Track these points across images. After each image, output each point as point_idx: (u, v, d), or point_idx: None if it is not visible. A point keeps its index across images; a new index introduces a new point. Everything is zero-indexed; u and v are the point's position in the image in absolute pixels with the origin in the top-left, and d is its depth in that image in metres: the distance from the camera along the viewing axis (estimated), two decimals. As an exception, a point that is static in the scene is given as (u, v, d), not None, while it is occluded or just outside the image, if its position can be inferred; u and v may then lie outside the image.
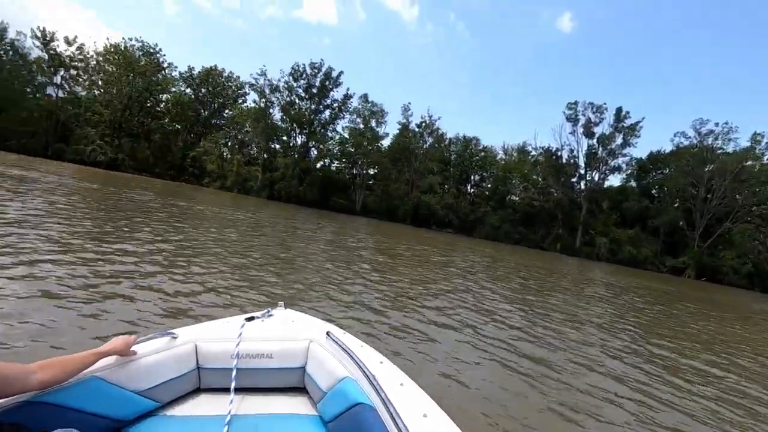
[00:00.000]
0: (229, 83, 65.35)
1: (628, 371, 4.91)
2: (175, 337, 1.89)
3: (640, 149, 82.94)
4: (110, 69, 54.65)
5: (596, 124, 51.85)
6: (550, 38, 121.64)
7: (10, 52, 52.87)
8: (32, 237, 6.10)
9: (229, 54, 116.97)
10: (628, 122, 49.86)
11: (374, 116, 55.97)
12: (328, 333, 2.03)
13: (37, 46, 53.80)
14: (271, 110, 55.58)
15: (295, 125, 55.38)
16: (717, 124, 45.77)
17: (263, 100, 54.85)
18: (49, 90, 55.83)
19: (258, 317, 2.24)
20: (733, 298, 22.77)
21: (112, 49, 54.57)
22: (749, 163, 43.48)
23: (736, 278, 40.79)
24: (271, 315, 2.33)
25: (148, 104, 58.13)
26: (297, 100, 55.49)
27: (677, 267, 43.95)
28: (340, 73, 54.85)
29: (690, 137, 48.31)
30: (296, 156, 54.21)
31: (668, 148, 51.91)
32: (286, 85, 54.73)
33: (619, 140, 50.86)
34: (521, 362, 4.52)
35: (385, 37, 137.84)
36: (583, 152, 53.34)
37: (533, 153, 58.37)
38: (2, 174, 16.19)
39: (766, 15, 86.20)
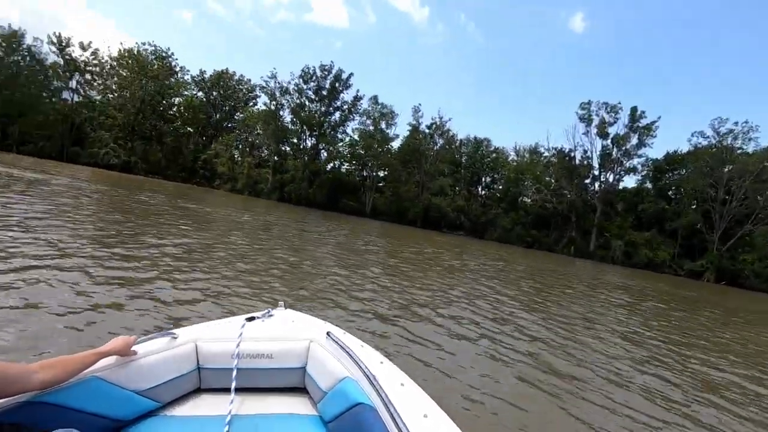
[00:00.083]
0: (240, 86, 65.83)
1: (660, 387, 4.49)
2: (176, 337, 1.88)
3: (656, 150, 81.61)
4: (124, 73, 55.42)
5: (610, 124, 50.79)
6: (561, 38, 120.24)
7: (28, 58, 53.96)
8: (36, 238, 5.91)
9: (241, 58, 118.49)
10: (643, 122, 48.78)
11: (384, 118, 55.72)
12: (328, 333, 2.02)
13: (53, 52, 54.94)
14: (281, 112, 55.75)
15: (305, 127, 55.41)
16: (736, 123, 44.46)
17: (273, 102, 55.03)
18: (65, 94, 56.96)
19: (258, 317, 2.23)
20: (758, 303, 21.88)
21: (125, 54, 55.37)
22: (771, 162, 42.12)
23: (758, 282, 39.41)
24: (271, 315, 2.31)
25: (161, 108, 58.81)
26: (307, 103, 55.55)
27: (696, 270, 42.68)
28: (350, 75, 54.79)
29: (708, 137, 47.05)
30: (306, 158, 54.20)
31: (685, 148, 50.66)
32: (296, 88, 54.87)
33: (634, 140, 49.78)
34: (543, 377, 4.14)
35: (395, 39, 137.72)
36: (597, 153, 52.28)
37: (546, 154, 57.42)
38: (14, 176, 16.27)
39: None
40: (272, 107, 55.14)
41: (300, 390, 2.10)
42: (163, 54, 59.25)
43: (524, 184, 56.44)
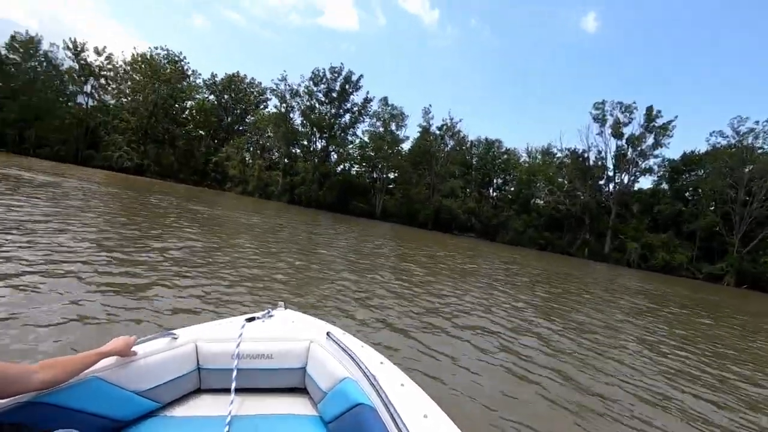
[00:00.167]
0: (251, 89, 66.25)
1: (698, 407, 4.08)
2: (176, 338, 1.87)
3: (673, 150, 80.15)
4: (137, 77, 56.15)
5: (625, 124, 49.81)
6: (573, 38, 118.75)
7: (44, 63, 55.01)
8: (33, 241, 5.74)
9: (253, 62, 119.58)
10: (659, 121, 47.67)
11: (394, 119, 55.47)
12: (328, 333, 2.02)
13: (69, 57, 55.90)
14: (291, 115, 55.90)
15: (315, 129, 55.46)
16: (757, 122, 43.11)
17: (284, 105, 55.19)
18: (80, 98, 57.89)
19: (258, 318, 2.22)
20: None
21: (138, 58, 56.12)
22: (794, 162, 40.75)
23: (781, 285, 38.11)
24: (271, 315, 2.30)
25: (173, 111, 59.44)
26: (317, 105, 55.62)
27: (715, 274, 41.44)
28: (360, 76, 54.70)
29: (727, 136, 45.71)
30: (316, 160, 54.22)
31: (703, 148, 49.32)
32: (306, 90, 54.94)
33: (650, 140, 48.69)
34: (568, 395, 3.78)
35: (405, 41, 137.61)
36: (612, 153, 51.31)
37: (558, 155, 56.56)
38: (24, 179, 16.36)
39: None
40: (282, 110, 55.33)
41: (300, 390, 2.10)
42: (176, 58, 59.97)
43: (536, 185, 55.53)
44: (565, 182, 53.37)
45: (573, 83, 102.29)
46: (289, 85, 54.51)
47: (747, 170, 42.41)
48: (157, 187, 30.48)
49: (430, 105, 57.54)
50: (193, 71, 62.79)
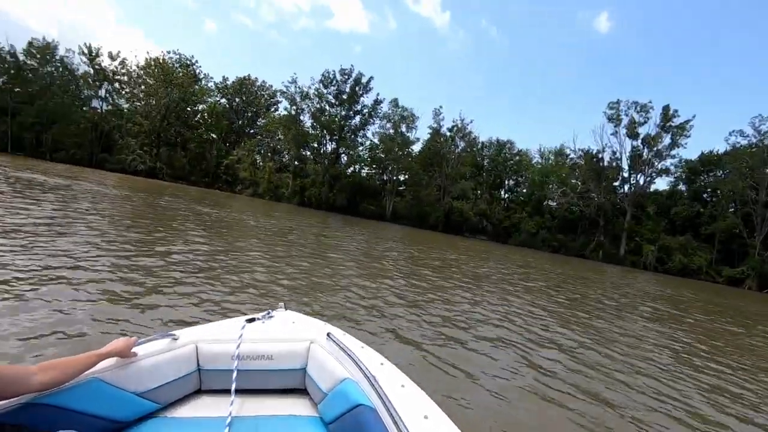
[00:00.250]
0: (262, 92, 66.62)
1: None
2: (176, 339, 1.87)
3: (690, 150, 78.69)
4: (150, 81, 56.80)
5: (640, 124, 48.69)
6: (585, 39, 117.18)
7: (60, 69, 55.98)
8: (40, 242, 5.57)
9: (264, 65, 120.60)
10: (676, 121, 46.49)
11: (404, 121, 55.14)
12: (328, 334, 2.01)
13: (84, 62, 56.77)
14: (301, 117, 55.95)
15: (325, 132, 55.44)
16: (780, 121, 41.73)
17: (294, 107, 55.28)
18: (94, 103, 58.75)
19: (258, 318, 2.21)
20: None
21: (151, 63, 56.76)
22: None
23: (806, 289, 36.78)
24: (271, 316, 2.29)
25: (185, 114, 59.99)
26: (327, 107, 55.58)
27: (735, 277, 40.17)
28: (370, 78, 54.52)
29: (748, 136, 44.32)
30: (326, 162, 54.17)
31: (721, 148, 47.98)
32: (316, 92, 54.96)
33: (666, 141, 47.53)
34: (601, 419, 3.43)
35: (415, 44, 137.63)
36: (627, 154, 50.18)
37: (572, 156, 55.55)
38: (36, 181, 16.44)
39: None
40: (292, 112, 55.41)
41: (300, 391, 2.09)
42: (188, 62, 60.56)
43: (549, 187, 54.66)
44: (579, 183, 52.36)
45: (584, 84, 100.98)
46: (299, 88, 54.63)
47: (769, 170, 41.11)
48: (169, 190, 30.62)
49: (441, 106, 57.10)
50: (204, 75, 63.42)
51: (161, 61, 57.29)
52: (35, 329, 3.20)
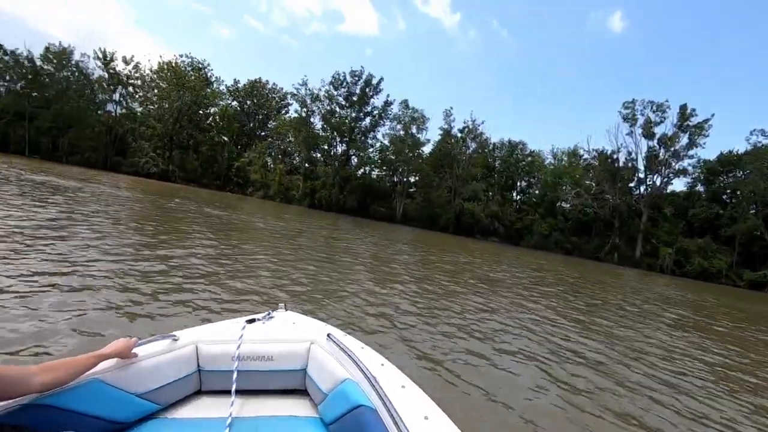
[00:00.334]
0: (273, 95, 66.91)
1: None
2: (176, 340, 1.86)
3: (708, 150, 77.28)
4: (163, 85, 57.41)
5: (657, 124, 47.61)
6: (599, 38, 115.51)
7: (76, 73, 56.90)
8: (39, 245, 5.41)
9: (275, 69, 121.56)
10: (694, 120, 45.32)
11: (415, 122, 54.79)
12: (329, 335, 2.01)
13: (99, 67, 57.61)
14: (312, 119, 55.97)
15: (335, 133, 55.40)
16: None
17: (304, 109, 55.34)
18: (109, 107, 59.54)
19: (259, 319, 2.20)
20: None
21: (164, 66, 57.37)
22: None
23: (832, 294, 35.41)
24: (272, 317, 2.28)
25: (197, 117, 60.47)
26: (337, 109, 55.53)
27: (757, 281, 38.88)
28: (380, 80, 54.33)
29: (770, 135, 43.00)
30: (337, 164, 54.09)
31: (742, 148, 46.59)
32: (326, 94, 54.95)
33: (684, 140, 46.34)
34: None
35: (425, 45, 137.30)
36: (643, 155, 49.10)
37: (586, 156, 54.55)
38: (48, 184, 16.52)
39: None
40: (303, 114, 55.49)
41: (300, 392, 2.08)
42: (200, 65, 61.07)
43: (562, 188, 53.72)
44: (593, 185, 51.35)
45: (595, 84, 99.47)
46: (309, 90, 54.70)
47: (792, 170, 39.79)
48: (180, 193, 30.75)
49: (451, 107, 56.61)
50: (216, 78, 63.89)
51: (174, 64, 57.88)
52: (34, 330, 3.10)
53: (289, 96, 60.75)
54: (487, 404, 3.37)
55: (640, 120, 48.37)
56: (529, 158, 58.97)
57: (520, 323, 6.47)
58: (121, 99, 59.96)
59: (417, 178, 56.56)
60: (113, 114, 59.18)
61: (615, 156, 50.58)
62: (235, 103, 66.25)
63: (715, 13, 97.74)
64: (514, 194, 60.65)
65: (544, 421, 3.22)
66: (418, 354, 4.25)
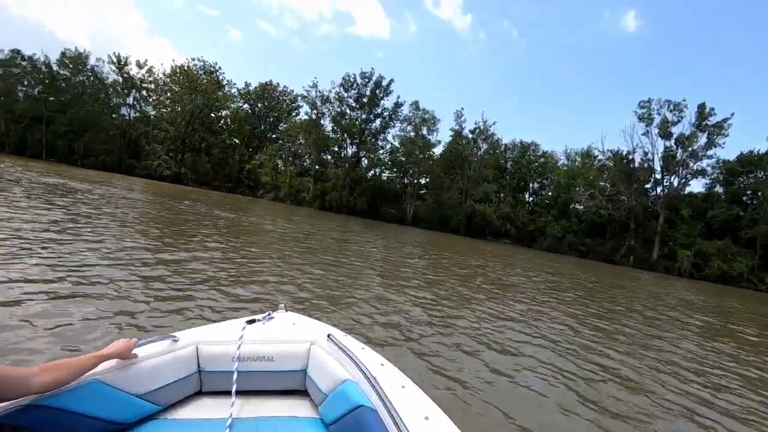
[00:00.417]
0: (284, 97, 67.17)
1: None
2: (177, 340, 1.86)
3: (727, 150, 75.73)
4: (175, 88, 58.04)
5: (674, 124, 46.46)
6: (612, 38, 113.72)
7: (91, 78, 57.89)
8: (37, 248, 5.25)
9: (286, 71, 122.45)
10: (713, 120, 44.10)
11: (425, 123, 54.42)
12: (329, 335, 2.00)
13: (113, 71, 58.54)
14: (322, 121, 55.99)
15: (345, 135, 55.30)
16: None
17: (314, 111, 55.37)
18: (123, 110, 60.49)
19: (259, 320, 2.19)
20: None
21: (177, 70, 58.00)
22: None
23: None
24: (272, 318, 2.27)
25: (209, 120, 60.96)
26: (348, 111, 55.45)
27: (781, 285, 37.65)
28: (391, 81, 54.11)
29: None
30: (347, 166, 53.97)
31: (764, 147, 45.24)
32: (337, 96, 54.91)
33: (702, 140, 45.13)
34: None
35: (436, 47, 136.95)
36: (659, 155, 47.94)
37: (600, 157, 53.52)
38: (60, 186, 16.60)
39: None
40: (313, 116, 55.52)
41: (301, 392, 2.07)
42: (211, 68, 61.60)
43: (576, 189, 52.78)
44: (608, 186, 50.34)
45: (612, 84, 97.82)
46: (319, 92, 54.73)
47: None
48: (193, 195, 30.87)
49: (462, 108, 55.89)
50: (227, 81, 64.42)
51: (186, 68, 58.49)
52: (30, 334, 2.97)
53: (299, 98, 61.02)
54: (509, 427, 3.04)
55: (657, 120, 47.32)
56: (542, 159, 58.18)
57: (540, 332, 6.11)
58: (135, 102, 60.92)
59: (428, 179, 56.14)
60: (127, 117, 60.05)
61: (630, 156, 49.59)
62: (246, 105, 66.71)
63: (715, 13, 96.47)
64: (527, 196, 59.88)
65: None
66: (433, 368, 3.93)
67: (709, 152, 45.27)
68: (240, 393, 1.87)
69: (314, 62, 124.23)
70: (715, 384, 4.99)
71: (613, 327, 7.66)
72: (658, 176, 48.58)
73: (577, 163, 57.11)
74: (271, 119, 67.62)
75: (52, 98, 54.61)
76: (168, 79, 58.96)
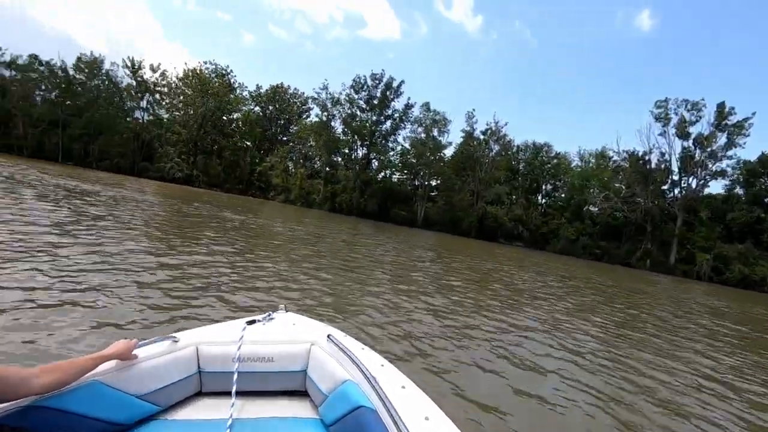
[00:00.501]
0: (295, 100, 67.40)
1: None
2: (177, 341, 1.85)
3: (748, 151, 74.08)
4: (188, 92, 58.60)
5: (692, 123, 45.27)
6: (627, 37, 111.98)
7: (106, 82, 58.76)
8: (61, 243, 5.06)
9: (297, 74, 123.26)
10: (733, 119, 42.85)
11: (436, 125, 53.98)
12: (329, 336, 1.99)
13: (127, 75, 59.35)
14: (332, 123, 55.94)
15: (356, 137, 55.15)
16: None
17: (325, 113, 55.37)
18: (136, 113, 61.26)
19: (259, 320, 2.18)
20: None
21: (189, 73, 58.57)
22: None
23: None
24: (272, 318, 2.25)
25: (221, 123, 61.43)
26: (358, 112, 55.33)
27: (805, 290, 36.33)
28: (401, 82, 53.85)
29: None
30: (357, 168, 53.78)
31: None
32: (347, 98, 54.82)
33: (722, 140, 43.87)
34: None
35: (447, 48, 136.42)
36: (677, 155, 46.76)
37: (615, 158, 52.44)
38: (70, 188, 16.64)
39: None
40: (324, 118, 55.52)
41: (301, 393, 2.06)
42: (223, 72, 62.08)
43: (590, 191, 51.79)
44: (623, 187, 49.29)
45: (631, 84, 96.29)
46: (330, 94, 54.69)
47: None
48: (204, 197, 30.95)
49: (474, 109, 55.30)
50: (239, 84, 64.88)
51: (198, 71, 59.03)
52: (30, 335, 2.90)
53: (310, 100, 61.13)
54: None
55: (674, 120, 46.19)
56: (555, 160, 57.26)
57: (562, 344, 5.71)
58: (149, 106, 61.64)
59: (438, 181, 55.62)
60: (141, 120, 60.81)
61: (647, 157, 48.43)
62: (257, 108, 67.11)
63: (715, 13, 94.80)
64: (539, 198, 58.98)
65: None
66: (451, 388, 3.59)
67: (729, 152, 44.07)
68: (240, 394, 1.86)
69: (327, 66, 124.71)
70: (762, 403, 4.55)
71: (638, 336, 7.21)
72: (676, 177, 47.50)
73: (591, 165, 56.10)
74: (282, 121, 67.87)
75: (68, 102, 55.50)
76: (180, 83, 59.59)
